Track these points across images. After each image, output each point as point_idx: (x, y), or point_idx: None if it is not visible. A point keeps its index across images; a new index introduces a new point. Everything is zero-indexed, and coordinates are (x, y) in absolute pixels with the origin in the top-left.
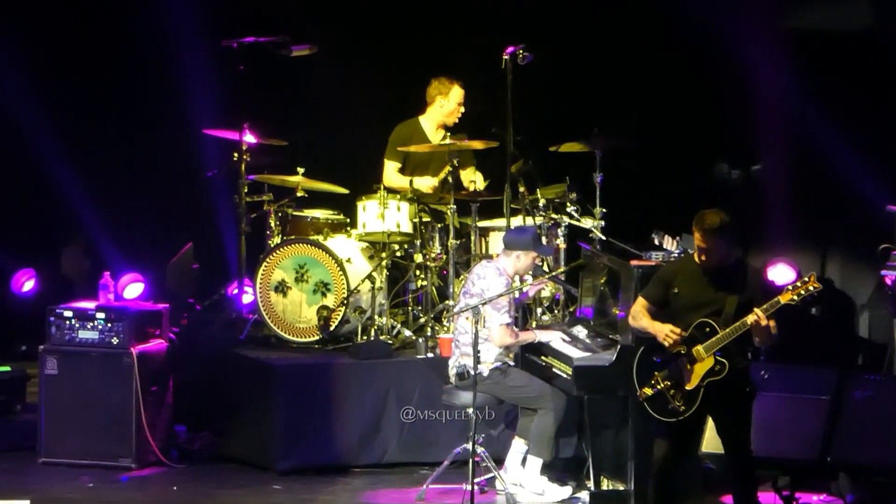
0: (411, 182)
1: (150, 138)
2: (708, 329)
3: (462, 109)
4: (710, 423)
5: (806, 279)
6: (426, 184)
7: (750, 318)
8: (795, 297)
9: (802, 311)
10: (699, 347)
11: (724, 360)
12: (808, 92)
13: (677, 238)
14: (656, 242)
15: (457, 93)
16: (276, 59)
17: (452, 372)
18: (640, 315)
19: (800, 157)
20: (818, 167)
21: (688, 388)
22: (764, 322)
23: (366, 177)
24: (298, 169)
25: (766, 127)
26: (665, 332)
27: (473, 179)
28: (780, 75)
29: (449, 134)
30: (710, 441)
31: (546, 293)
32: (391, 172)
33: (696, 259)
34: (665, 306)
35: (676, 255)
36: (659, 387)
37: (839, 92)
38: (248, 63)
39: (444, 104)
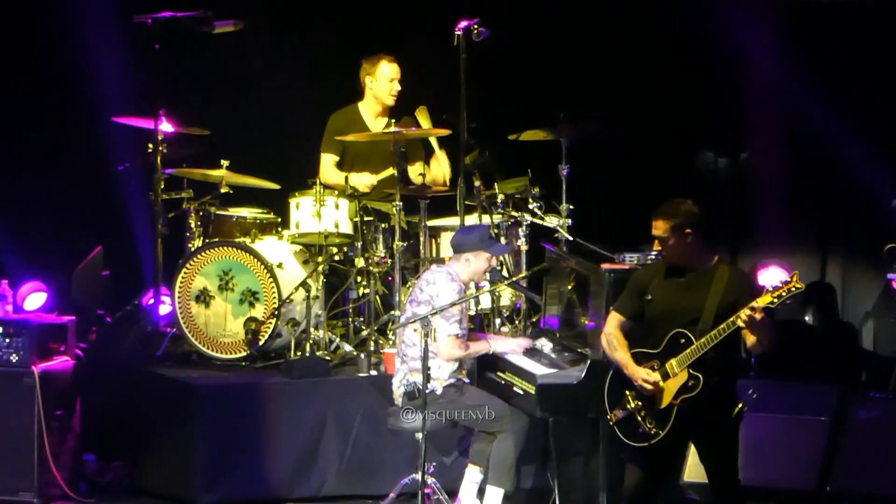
0: (347, 179)
1: (52, 128)
2: (683, 340)
3: (396, 87)
4: (694, 450)
5: (787, 279)
6: (363, 181)
7: (743, 314)
8: (775, 300)
9: (797, 321)
10: (672, 361)
11: (698, 375)
12: (804, 69)
13: None
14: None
15: (385, 68)
16: (196, 37)
17: (399, 391)
18: (615, 343)
19: (795, 145)
20: (816, 156)
21: (660, 407)
22: (759, 315)
23: (299, 170)
24: (222, 161)
25: (756, 109)
26: (640, 379)
27: (422, 173)
28: (773, 51)
29: (394, 121)
30: (693, 469)
31: (506, 301)
32: (328, 167)
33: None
34: (641, 318)
35: (654, 257)
36: (629, 406)
37: (840, 69)
38: (165, 42)
39: (373, 84)
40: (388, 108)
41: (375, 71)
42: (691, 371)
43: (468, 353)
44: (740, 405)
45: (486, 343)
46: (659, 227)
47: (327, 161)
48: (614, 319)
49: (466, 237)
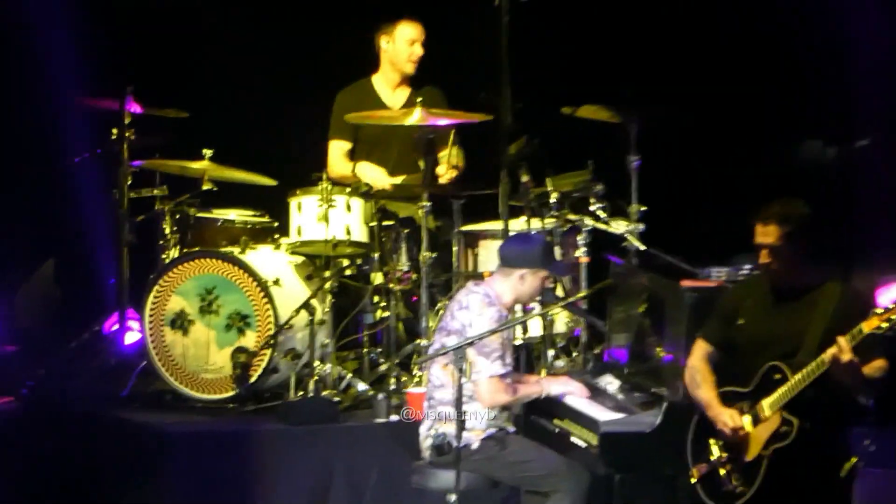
0: (354, 170)
1: None
2: (777, 376)
3: (418, 51)
4: None
5: None
6: (378, 180)
7: (827, 354)
8: (883, 325)
9: None
10: (763, 402)
11: (791, 419)
12: None
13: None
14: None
15: (404, 29)
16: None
17: (426, 443)
18: (698, 378)
19: None
20: None
21: (746, 459)
22: (845, 357)
23: (301, 162)
24: (205, 151)
25: (875, 85)
26: (723, 421)
27: (456, 165)
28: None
29: (419, 99)
30: None
31: (560, 328)
32: (338, 157)
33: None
34: (733, 348)
35: (747, 272)
36: (713, 458)
37: None
38: (134, 5)
39: (390, 46)
40: (408, 77)
41: (394, 31)
42: (785, 415)
43: (517, 397)
44: (854, 460)
45: (539, 385)
46: (771, 234)
47: (337, 150)
48: (700, 349)
49: (525, 248)
